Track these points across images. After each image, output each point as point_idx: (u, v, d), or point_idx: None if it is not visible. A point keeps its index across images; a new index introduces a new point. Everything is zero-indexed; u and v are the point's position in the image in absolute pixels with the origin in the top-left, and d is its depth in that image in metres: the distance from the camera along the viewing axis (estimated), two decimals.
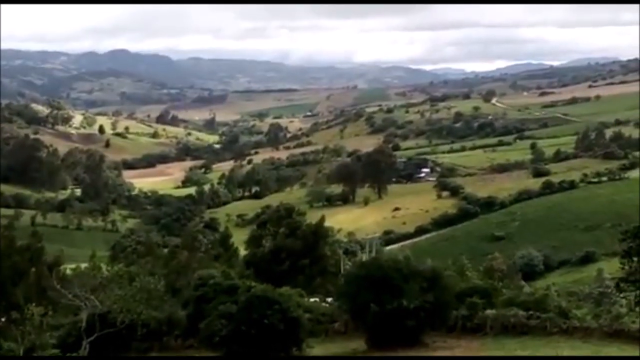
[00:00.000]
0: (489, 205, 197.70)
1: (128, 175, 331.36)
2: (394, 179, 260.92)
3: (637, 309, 28.52)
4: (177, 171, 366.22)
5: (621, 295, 38.65)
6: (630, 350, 33.33)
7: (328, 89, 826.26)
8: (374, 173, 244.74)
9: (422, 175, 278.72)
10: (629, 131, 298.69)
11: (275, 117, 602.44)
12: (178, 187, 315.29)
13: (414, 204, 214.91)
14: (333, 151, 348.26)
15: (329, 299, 57.00)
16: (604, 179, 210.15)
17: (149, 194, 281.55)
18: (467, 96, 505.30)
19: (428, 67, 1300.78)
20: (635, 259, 15.59)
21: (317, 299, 57.29)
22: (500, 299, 47.89)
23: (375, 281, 39.39)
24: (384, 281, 39.19)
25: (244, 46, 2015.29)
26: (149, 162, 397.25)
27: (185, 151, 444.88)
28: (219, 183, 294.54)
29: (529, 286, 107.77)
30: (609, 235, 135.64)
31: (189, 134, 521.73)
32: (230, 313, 36.53)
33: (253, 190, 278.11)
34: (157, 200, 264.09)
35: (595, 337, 37.82)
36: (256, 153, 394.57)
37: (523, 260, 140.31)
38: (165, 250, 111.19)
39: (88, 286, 37.80)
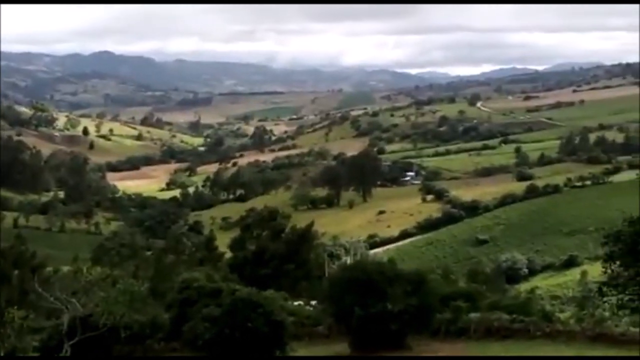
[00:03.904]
0: (473, 209, 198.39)
1: (112, 178, 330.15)
2: (379, 183, 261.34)
3: (620, 312, 28.69)
4: (161, 174, 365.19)
5: (604, 299, 38.86)
6: (612, 353, 33.44)
7: (313, 92, 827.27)
8: (359, 176, 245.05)
9: (407, 178, 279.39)
10: (612, 135, 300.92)
11: (260, 120, 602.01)
12: (162, 190, 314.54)
13: (399, 208, 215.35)
14: (318, 154, 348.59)
15: (313, 302, 56.99)
16: (588, 183, 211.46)
17: (133, 196, 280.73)
18: (452, 100, 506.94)
19: (413, 71, 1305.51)
20: (617, 263, 15.69)
21: (301, 302, 57.25)
22: (484, 302, 47.99)
23: (359, 284, 39.33)
24: (368, 284, 39.13)
25: (231, 49, 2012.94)
26: (133, 164, 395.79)
27: (169, 154, 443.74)
28: (203, 186, 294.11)
29: (513, 290, 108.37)
30: (592, 239, 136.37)
31: (174, 136, 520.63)
32: (214, 316, 36.35)
33: (238, 193, 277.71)
34: (141, 202, 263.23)
35: (579, 341, 37.92)
36: (241, 156, 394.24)
37: (507, 264, 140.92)
38: (149, 253, 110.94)
39: (70, 289, 37.50)
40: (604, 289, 16.80)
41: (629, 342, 36.05)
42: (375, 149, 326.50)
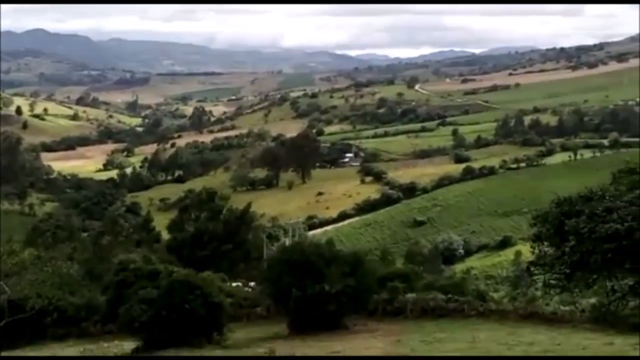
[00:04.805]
0: (411, 190, 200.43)
1: (47, 158, 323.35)
2: (318, 164, 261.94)
3: (551, 291, 29.49)
4: (98, 154, 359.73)
5: (531, 278, 39.92)
6: (543, 332, 34.30)
7: (253, 73, 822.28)
8: (298, 158, 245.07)
9: (346, 160, 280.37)
10: (546, 119, 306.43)
11: (199, 101, 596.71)
12: (99, 171, 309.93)
13: (338, 189, 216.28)
14: (257, 135, 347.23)
15: (252, 284, 57.13)
16: (523, 165, 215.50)
17: (69, 177, 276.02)
18: (391, 82, 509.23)
19: (353, 53, 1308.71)
20: (545, 243, 16.19)
21: (239, 284, 57.33)
22: (421, 283, 48.82)
23: (297, 266, 39.53)
24: (306, 266, 39.36)
25: (170, 28, 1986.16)
26: (68, 144, 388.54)
27: (106, 134, 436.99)
28: (141, 167, 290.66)
29: (449, 270, 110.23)
30: (526, 220, 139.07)
31: (111, 116, 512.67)
32: (151, 298, 36.12)
33: (176, 174, 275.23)
34: (77, 183, 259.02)
35: (511, 319, 38.84)
36: (179, 137, 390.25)
37: (444, 244, 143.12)
38: (86, 234, 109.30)
39: (1, 272, 36.80)
40: (532, 268, 17.31)
41: (558, 320, 37.12)
42: (314, 131, 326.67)
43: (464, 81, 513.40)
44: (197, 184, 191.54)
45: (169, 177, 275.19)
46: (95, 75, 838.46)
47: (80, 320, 43.01)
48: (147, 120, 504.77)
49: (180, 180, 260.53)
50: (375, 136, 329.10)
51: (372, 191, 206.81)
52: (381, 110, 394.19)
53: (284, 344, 35.60)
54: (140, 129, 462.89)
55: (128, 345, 37.23)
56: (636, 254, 14.80)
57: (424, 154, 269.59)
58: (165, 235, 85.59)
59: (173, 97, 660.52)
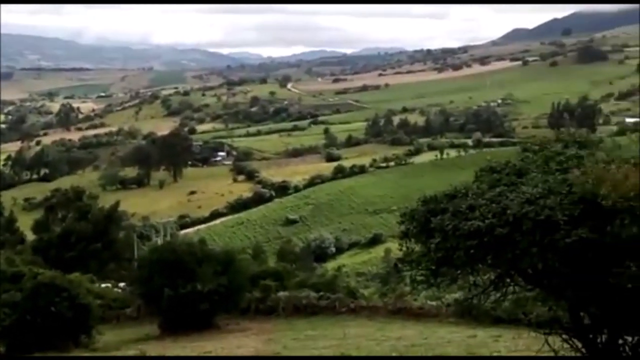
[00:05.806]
0: (283, 189, 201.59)
1: None
2: (189, 163, 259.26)
3: (419, 287, 30.64)
4: None
5: (399, 275, 41.09)
6: (410, 326, 35.39)
7: (123, 70, 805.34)
8: (169, 156, 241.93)
9: (218, 159, 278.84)
10: (414, 118, 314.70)
11: (66, 97, 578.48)
12: None
13: (210, 188, 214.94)
14: (128, 133, 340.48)
15: (122, 284, 56.13)
16: (392, 164, 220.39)
17: None
18: (263, 81, 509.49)
19: (225, 51, 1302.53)
20: (412, 240, 16.69)
21: (109, 285, 56.23)
22: (293, 281, 49.30)
23: (169, 265, 39.21)
24: (178, 265, 39.10)
25: (36, 22, 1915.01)
26: None
27: None
28: (4, 165, 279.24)
29: (321, 268, 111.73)
30: (395, 218, 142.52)
31: None
32: (15, 302, 35.00)
33: (42, 173, 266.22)
34: None
35: (381, 315, 39.81)
36: (45, 134, 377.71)
37: (315, 242, 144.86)
38: None
39: None
40: (400, 265, 17.79)
41: (425, 315, 38.39)
42: (186, 129, 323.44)
43: (335, 81, 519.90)
44: (64, 183, 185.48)
45: (34, 176, 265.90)
46: None
47: None
48: (10, 117, 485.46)
49: (46, 179, 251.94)
50: (247, 135, 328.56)
51: (244, 190, 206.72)
52: (253, 109, 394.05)
53: (155, 344, 35.23)
54: (2, 126, 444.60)
55: None
56: (496, 249, 15.55)
57: (296, 153, 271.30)
58: (31, 236, 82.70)
59: (38, 93, 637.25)
